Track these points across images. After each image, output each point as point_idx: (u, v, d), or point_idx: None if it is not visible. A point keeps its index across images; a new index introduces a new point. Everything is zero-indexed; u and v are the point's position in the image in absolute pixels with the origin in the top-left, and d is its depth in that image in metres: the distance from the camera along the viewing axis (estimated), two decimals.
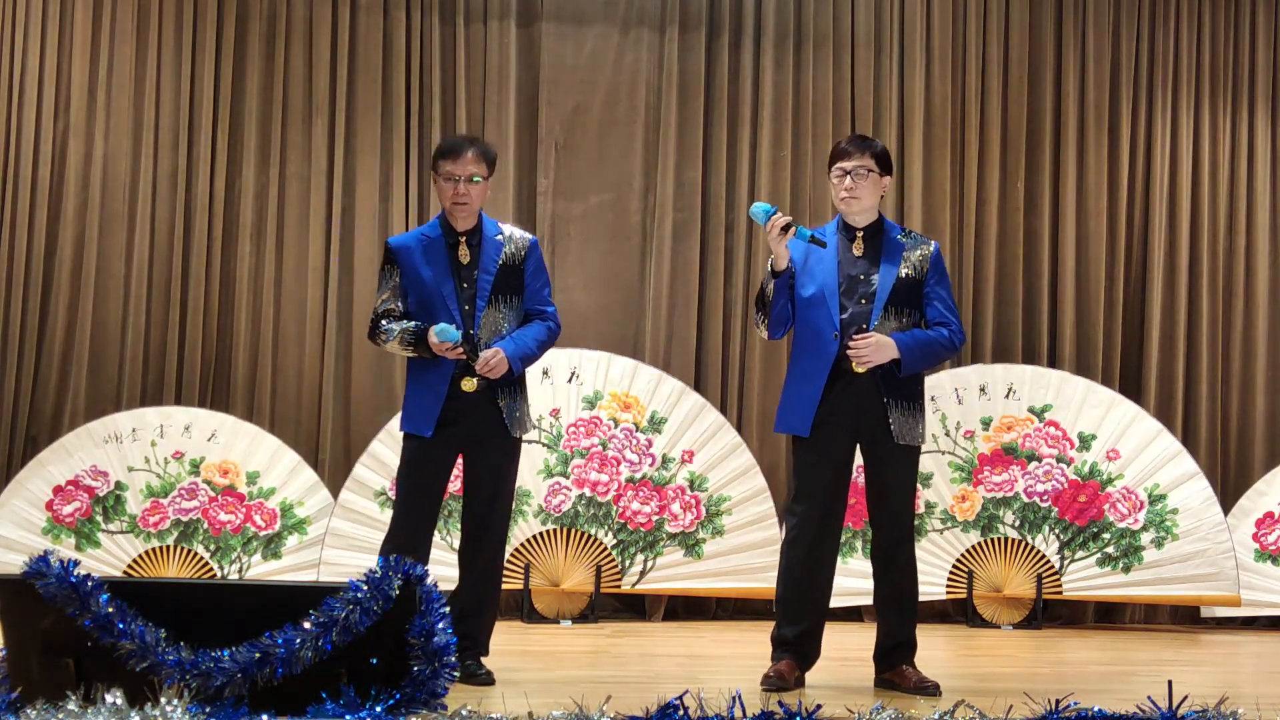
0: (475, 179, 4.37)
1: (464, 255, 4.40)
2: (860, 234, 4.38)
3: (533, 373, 6.18)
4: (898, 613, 4.34)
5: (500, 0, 6.61)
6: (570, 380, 6.24)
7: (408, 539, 4.27)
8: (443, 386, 4.31)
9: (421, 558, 4.19)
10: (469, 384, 4.32)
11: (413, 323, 4.33)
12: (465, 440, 4.36)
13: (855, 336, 4.25)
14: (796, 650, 4.33)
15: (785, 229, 4.23)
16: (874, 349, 4.24)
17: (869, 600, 4.70)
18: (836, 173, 4.37)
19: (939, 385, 6.39)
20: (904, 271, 4.35)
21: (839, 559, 5.90)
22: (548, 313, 4.50)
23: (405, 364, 4.53)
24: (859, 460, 4.40)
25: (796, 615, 4.34)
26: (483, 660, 4.31)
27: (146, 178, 6.39)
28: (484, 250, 4.40)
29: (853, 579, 5.91)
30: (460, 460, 4.45)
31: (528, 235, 4.54)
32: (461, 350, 4.25)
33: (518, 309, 4.45)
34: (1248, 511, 6.42)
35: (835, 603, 5.79)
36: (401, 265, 4.41)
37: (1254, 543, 6.35)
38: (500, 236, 4.46)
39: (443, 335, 4.23)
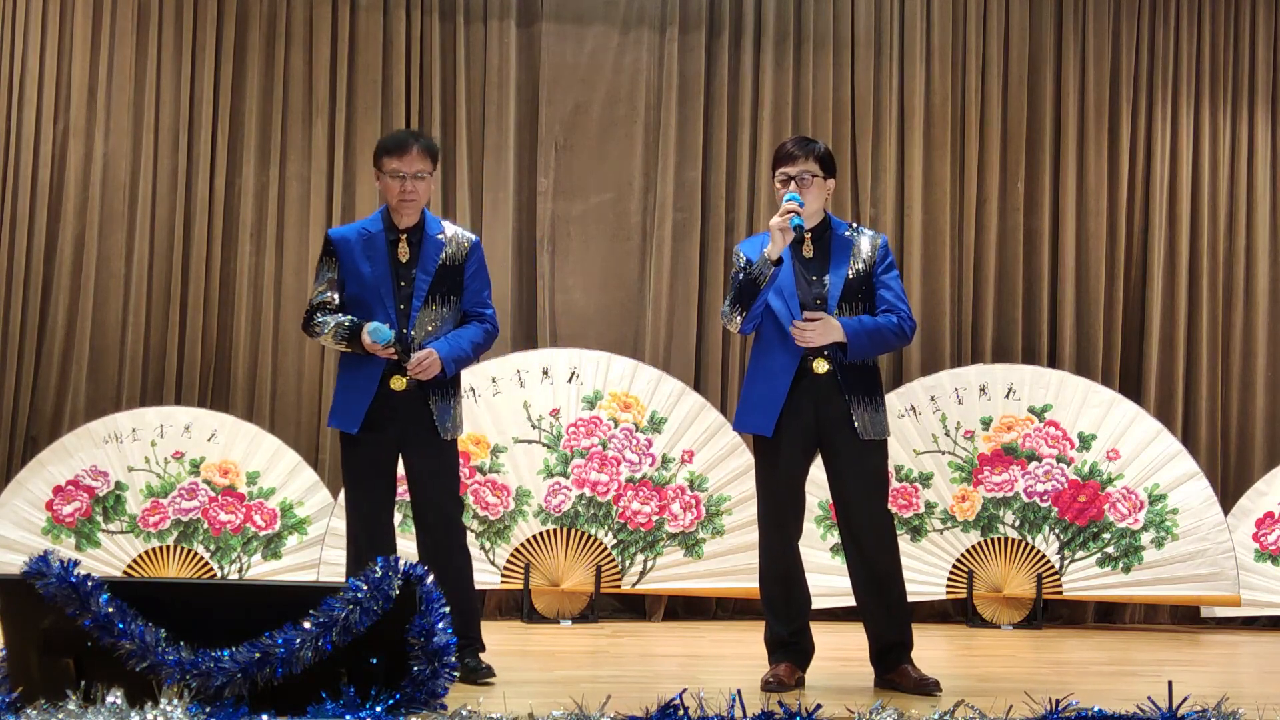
0: (420, 175, 4.35)
1: (404, 253, 4.38)
2: (809, 235, 4.39)
3: (532, 372, 6.20)
4: (886, 614, 4.31)
5: (500, 0, 6.61)
6: (570, 380, 6.24)
7: (368, 546, 4.24)
8: (372, 385, 4.30)
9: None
10: (399, 383, 4.30)
11: (348, 317, 4.31)
12: (398, 442, 4.35)
13: (805, 316, 4.25)
14: (795, 649, 4.34)
15: (786, 214, 4.25)
16: (819, 330, 4.23)
17: None
18: (780, 178, 4.35)
19: (939, 385, 6.39)
20: (854, 268, 4.36)
21: (835, 558, 5.94)
22: (486, 315, 4.49)
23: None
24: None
25: (788, 612, 4.35)
26: (481, 656, 4.31)
27: (146, 178, 6.39)
28: (424, 249, 4.39)
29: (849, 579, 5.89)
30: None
31: (470, 235, 4.53)
32: (394, 350, 4.24)
33: (455, 309, 4.43)
34: (1248, 511, 6.42)
35: (832, 603, 5.83)
36: (340, 257, 4.39)
37: (1254, 543, 6.35)
38: (442, 236, 4.44)
39: (375, 335, 4.22)
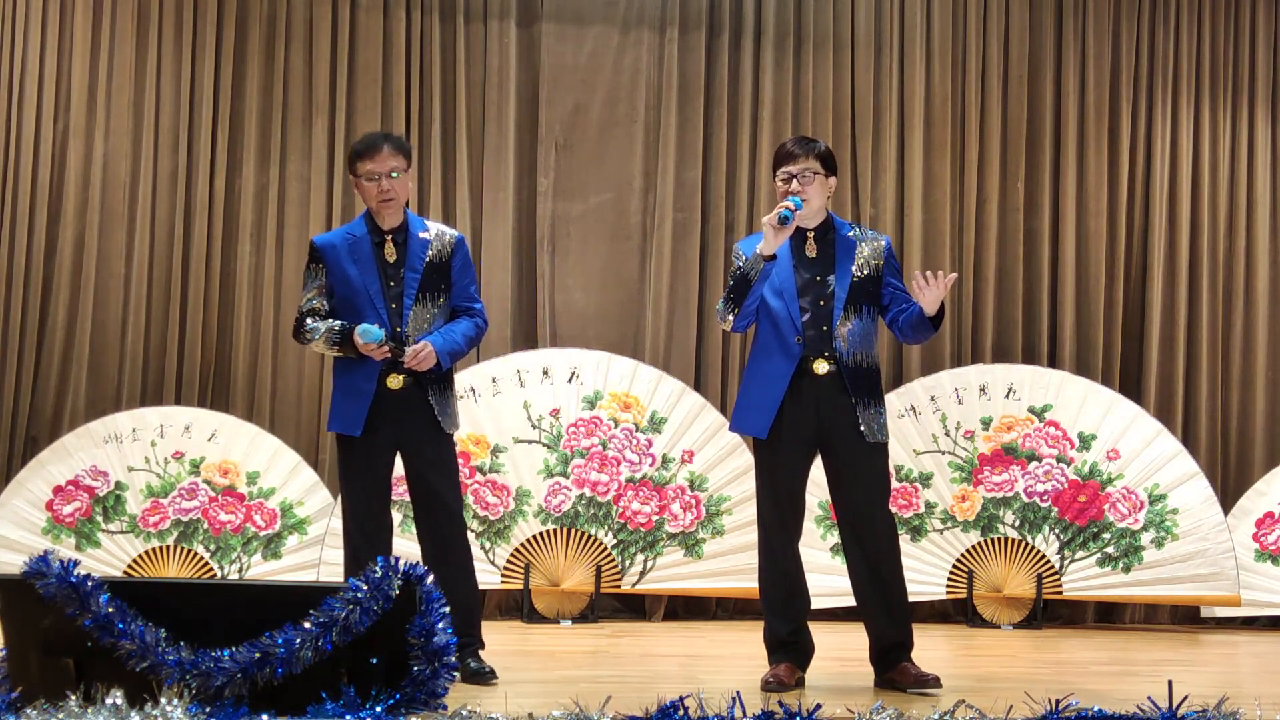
0: (395, 174, 4.36)
1: (390, 253, 4.40)
2: (811, 235, 4.38)
3: (532, 372, 6.21)
4: (888, 615, 4.30)
5: (500, 0, 6.61)
6: (570, 380, 6.24)
7: (366, 546, 4.24)
8: (370, 386, 4.31)
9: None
10: (395, 381, 4.31)
11: (338, 322, 4.32)
12: (398, 440, 4.35)
13: (930, 278, 4.22)
14: (794, 649, 4.33)
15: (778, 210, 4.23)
16: (940, 295, 4.23)
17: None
18: (782, 176, 4.33)
19: (939, 385, 6.39)
20: (859, 270, 4.35)
21: (835, 558, 5.94)
22: (475, 309, 4.50)
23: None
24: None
25: (787, 611, 4.34)
26: (481, 655, 4.30)
27: (146, 178, 6.39)
28: (410, 248, 4.40)
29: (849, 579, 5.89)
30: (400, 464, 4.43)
31: (454, 232, 4.55)
32: (388, 348, 4.25)
33: (445, 306, 4.45)
34: (1248, 511, 6.42)
35: (832, 603, 5.83)
36: (327, 263, 4.40)
37: (1254, 543, 6.35)
38: (426, 234, 4.45)
39: (365, 336, 4.23)
